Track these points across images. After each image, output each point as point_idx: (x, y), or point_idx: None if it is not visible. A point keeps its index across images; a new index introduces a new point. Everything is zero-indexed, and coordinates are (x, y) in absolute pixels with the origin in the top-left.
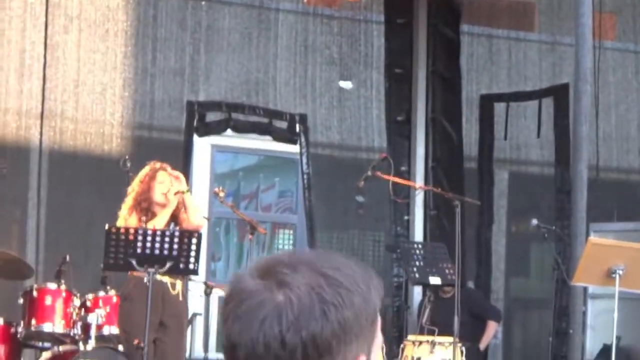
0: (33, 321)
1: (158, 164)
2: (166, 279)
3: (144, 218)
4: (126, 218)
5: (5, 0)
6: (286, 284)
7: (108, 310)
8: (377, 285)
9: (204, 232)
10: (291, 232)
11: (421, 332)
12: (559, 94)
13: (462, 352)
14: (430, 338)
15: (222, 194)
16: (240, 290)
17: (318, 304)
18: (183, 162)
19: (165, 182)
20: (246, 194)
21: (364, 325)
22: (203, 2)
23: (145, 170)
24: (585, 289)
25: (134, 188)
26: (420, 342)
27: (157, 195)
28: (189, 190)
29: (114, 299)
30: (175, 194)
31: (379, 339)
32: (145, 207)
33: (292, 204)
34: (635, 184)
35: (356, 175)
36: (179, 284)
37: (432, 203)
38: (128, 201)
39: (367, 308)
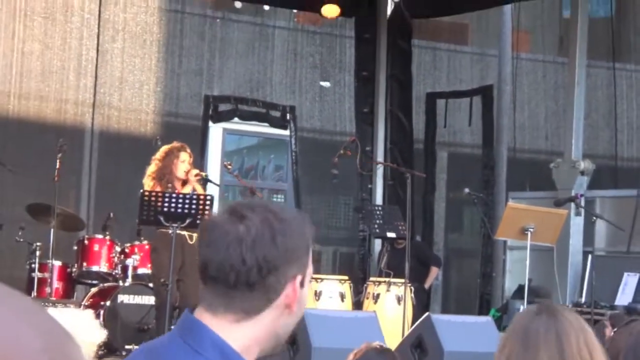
0: (84, 263)
1: (180, 144)
2: (184, 232)
3: (169, 185)
4: (153, 184)
5: (68, 16)
6: (245, 217)
7: (141, 255)
8: (309, 224)
9: (216, 195)
10: (283, 196)
11: (380, 275)
12: (486, 93)
13: (411, 290)
14: (387, 279)
15: (229, 167)
16: (212, 224)
17: (269, 233)
18: (201, 142)
19: (186, 161)
20: (249, 166)
21: (302, 252)
22: (218, 20)
23: (169, 146)
24: (505, 242)
25: (157, 159)
26: (379, 282)
27: (180, 172)
28: (207, 176)
29: (146, 247)
30: (196, 175)
31: (310, 266)
32: (165, 179)
33: (283, 175)
34: (543, 161)
35: (332, 153)
36: (195, 235)
37: (389, 175)
38: (151, 169)
39: (304, 239)
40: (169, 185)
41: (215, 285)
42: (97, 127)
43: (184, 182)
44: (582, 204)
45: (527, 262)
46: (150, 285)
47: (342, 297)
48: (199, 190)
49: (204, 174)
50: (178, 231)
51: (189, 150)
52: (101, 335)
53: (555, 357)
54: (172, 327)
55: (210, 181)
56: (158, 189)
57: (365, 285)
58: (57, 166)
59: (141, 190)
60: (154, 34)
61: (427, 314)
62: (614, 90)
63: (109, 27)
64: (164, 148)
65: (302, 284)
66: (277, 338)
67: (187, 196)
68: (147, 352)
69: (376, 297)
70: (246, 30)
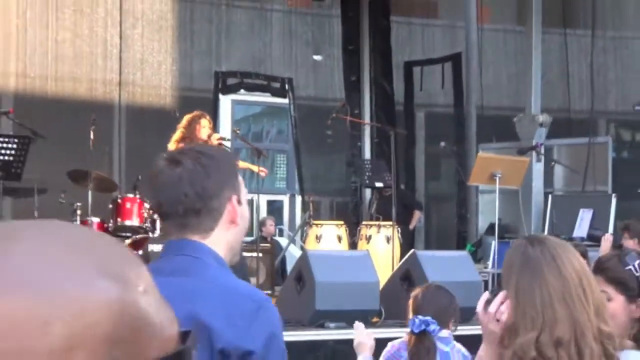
0: (119, 219)
1: (200, 112)
2: None
3: None
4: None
5: (94, 7)
6: (180, 161)
7: None
8: (232, 156)
9: None
10: (285, 155)
11: (370, 219)
12: (455, 60)
13: (398, 231)
14: (377, 222)
15: (238, 132)
16: (156, 172)
17: (201, 168)
18: (213, 112)
19: (206, 127)
20: (256, 131)
21: (231, 177)
22: (223, 6)
23: (191, 115)
24: (477, 187)
25: (182, 125)
26: (371, 225)
27: (203, 135)
28: (229, 139)
29: None
30: (218, 139)
31: (243, 187)
32: (189, 142)
33: (285, 137)
34: (507, 117)
35: (326, 116)
36: None
37: (376, 134)
38: (176, 135)
39: (231, 167)
40: None
41: (171, 218)
42: (123, 102)
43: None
44: (542, 151)
45: (497, 204)
46: None
47: (339, 239)
48: None
49: (225, 137)
50: None
51: (208, 117)
52: None
53: (557, 273)
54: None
55: (225, 145)
56: None
57: (358, 228)
58: (91, 137)
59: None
60: (169, 20)
61: (412, 250)
62: (565, 52)
63: (129, 16)
64: (187, 117)
65: (239, 202)
66: (232, 249)
67: None
68: (155, 271)
69: (368, 238)
70: (247, 14)
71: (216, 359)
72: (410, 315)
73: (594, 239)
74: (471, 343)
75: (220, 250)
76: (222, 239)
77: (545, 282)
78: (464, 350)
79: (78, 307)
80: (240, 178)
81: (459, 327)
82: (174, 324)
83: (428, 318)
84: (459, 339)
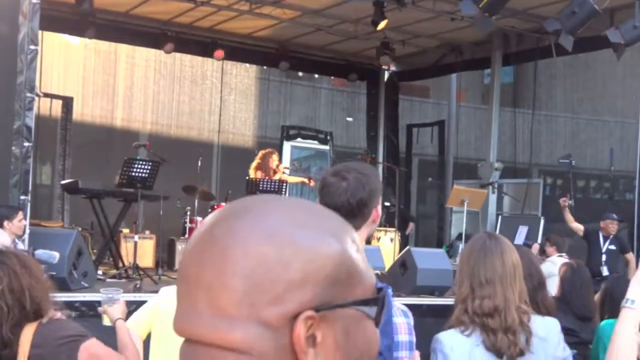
0: None
1: (272, 150)
2: None
3: (264, 174)
4: (255, 174)
5: (204, 79)
6: (345, 177)
7: None
8: (377, 172)
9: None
10: None
11: (380, 226)
12: (441, 125)
13: (398, 235)
14: (384, 229)
15: (296, 165)
16: (326, 181)
17: (360, 185)
18: (279, 152)
19: (276, 160)
20: (305, 166)
21: (378, 190)
22: (289, 83)
23: (265, 151)
24: (451, 208)
25: (259, 157)
26: (380, 230)
27: (273, 165)
28: (289, 169)
29: None
30: (284, 168)
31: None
32: (263, 170)
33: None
34: (474, 164)
35: (353, 159)
36: None
37: (386, 170)
38: (254, 164)
39: (378, 183)
40: (266, 173)
41: None
42: (220, 143)
43: (274, 172)
44: (496, 187)
45: (464, 220)
46: None
47: None
48: (283, 177)
49: (288, 168)
50: None
51: (277, 154)
52: None
53: (501, 262)
54: None
55: (287, 174)
56: (259, 176)
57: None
58: (199, 165)
59: (247, 177)
60: (252, 90)
61: (408, 247)
62: (514, 123)
63: (226, 86)
64: (262, 152)
65: (378, 207)
66: (370, 235)
67: (274, 181)
68: None
69: (378, 239)
70: (304, 89)
71: None
72: None
73: (527, 246)
74: (441, 312)
75: (363, 239)
76: (364, 233)
77: (492, 266)
78: (403, 307)
79: (310, 254)
80: (382, 189)
81: (434, 299)
82: (373, 277)
83: (384, 284)
84: (434, 308)
